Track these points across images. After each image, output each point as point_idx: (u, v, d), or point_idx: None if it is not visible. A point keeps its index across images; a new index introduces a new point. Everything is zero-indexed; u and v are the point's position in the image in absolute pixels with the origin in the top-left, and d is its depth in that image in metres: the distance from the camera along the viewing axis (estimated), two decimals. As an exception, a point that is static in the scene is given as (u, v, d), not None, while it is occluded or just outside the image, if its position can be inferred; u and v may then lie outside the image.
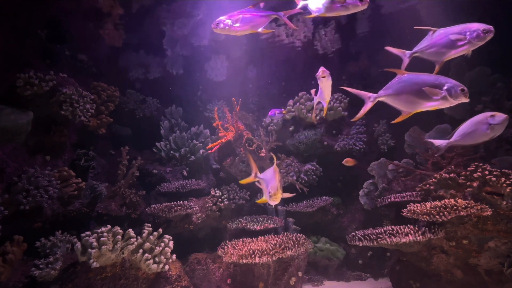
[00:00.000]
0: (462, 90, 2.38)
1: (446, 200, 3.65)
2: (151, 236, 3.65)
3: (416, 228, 3.67)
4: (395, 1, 5.69)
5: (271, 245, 3.87)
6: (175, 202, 4.76)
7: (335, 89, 3.02)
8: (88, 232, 3.33)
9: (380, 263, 5.11)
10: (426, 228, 3.59)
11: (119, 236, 3.39)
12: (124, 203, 5.07)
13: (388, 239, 3.57)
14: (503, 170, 3.54)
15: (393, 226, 3.75)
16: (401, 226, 3.72)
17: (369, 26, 6.39)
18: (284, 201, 5.40)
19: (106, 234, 3.33)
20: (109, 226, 3.44)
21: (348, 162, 5.09)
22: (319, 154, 5.85)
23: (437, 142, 3.28)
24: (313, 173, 5.55)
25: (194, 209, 4.76)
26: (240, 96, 5.24)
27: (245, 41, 6.86)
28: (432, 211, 3.49)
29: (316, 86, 2.98)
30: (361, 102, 2.74)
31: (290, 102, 6.02)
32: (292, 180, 5.16)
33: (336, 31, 6.57)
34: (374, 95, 2.63)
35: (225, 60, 7.39)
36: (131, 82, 7.15)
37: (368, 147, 5.92)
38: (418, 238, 3.50)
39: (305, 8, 2.78)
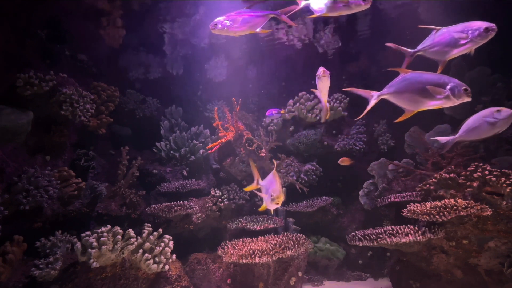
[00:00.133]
0: (465, 90, 2.38)
1: (446, 200, 3.65)
2: (151, 236, 3.65)
3: (416, 228, 3.67)
4: (395, 1, 5.69)
5: (271, 245, 3.87)
6: (175, 202, 4.76)
7: (335, 89, 3.01)
8: (88, 232, 3.33)
9: (380, 263, 5.11)
10: (426, 228, 3.59)
11: (119, 236, 3.39)
12: (124, 203, 5.07)
13: (388, 239, 3.57)
14: (503, 170, 3.54)
15: (393, 226, 3.75)
16: (401, 226, 3.72)
17: (369, 26, 6.38)
18: (284, 201, 5.39)
19: (106, 234, 3.33)
20: (109, 226, 3.44)
21: (343, 161, 5.07)
22: (319, 154, 5.85)
23: (443, 139, 3.24)
24: (313, 173, 5.55)
25: (194, 209, 4.76)
26: (240, 96, 5.23)
27: (245, 41, 6.86)
28: (432, 211, 3.49)
29: (316, 86, 2.97)
30: (361, 102, 2.73)
31: (290, 102, 6.01)
32: (292, 180, 5.16)
33: (336, 31, 6.56)
34: (377, 93, 2.63)
35: (225, 60, 7.40)
36: (131, 82, 7.15)
37: (368, 147, 5.92)
38: (418, 238, 3.50)
39: (306, 8, 2.75)
